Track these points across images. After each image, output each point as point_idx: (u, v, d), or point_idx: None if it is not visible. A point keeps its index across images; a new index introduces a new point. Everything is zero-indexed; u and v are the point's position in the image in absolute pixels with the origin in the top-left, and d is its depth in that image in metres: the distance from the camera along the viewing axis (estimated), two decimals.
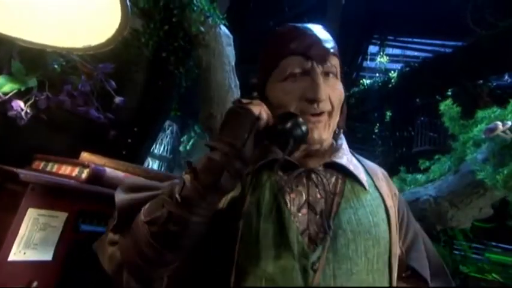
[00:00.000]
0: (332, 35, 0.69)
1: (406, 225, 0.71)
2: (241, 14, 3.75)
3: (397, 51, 5.66)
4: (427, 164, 2.15)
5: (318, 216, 0.58)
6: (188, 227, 0.53)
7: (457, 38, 4.04)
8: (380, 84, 4.67)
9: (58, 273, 1.09)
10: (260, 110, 0.58)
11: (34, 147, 1.47)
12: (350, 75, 5.06)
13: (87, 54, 1.37)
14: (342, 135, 0.75)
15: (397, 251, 0.64)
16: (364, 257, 0.56)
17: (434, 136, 3.69)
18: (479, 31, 3.56)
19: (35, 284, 0.99)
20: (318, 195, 0.61)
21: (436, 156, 2.16)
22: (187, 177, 0.54)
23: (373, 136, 4.53)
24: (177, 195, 0.53)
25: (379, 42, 5.33)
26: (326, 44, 0.65)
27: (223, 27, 1.84)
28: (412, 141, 3.99)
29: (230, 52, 1.84)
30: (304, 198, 0.60)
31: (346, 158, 0.68)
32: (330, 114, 0.65)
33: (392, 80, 4.49)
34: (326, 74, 0.65)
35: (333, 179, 0.64)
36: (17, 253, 0.99)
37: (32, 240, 1.03)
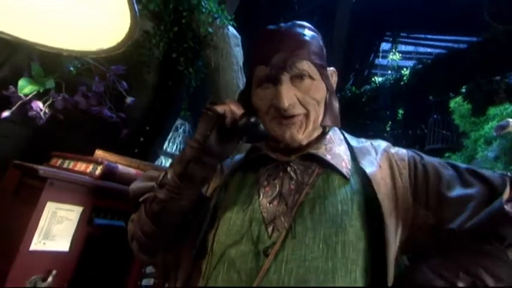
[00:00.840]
0: (312, 34, 0.69)
1: (423, 188, 0.66)
2: (251, 13, 3.78)
3: (409, 47, 5.55)
4: None
5: (286, 208, 0.62)
6: (166, 207, 0.66)
7: (472, 33, 3.93)
8: (392, 81, 4.59)
9: (74, 263, 1.15)
10: (224, 110, 0.63)
11: (51, 145, 1.55)
12: (361, 73, 5.00)
13: (101, 57, 1.44)
14: (334, 128, 0.76)
15: (394, 228, 0.62)
16: (323, 244, 0.58)
17: (447, 134, 3.61)
18: (496, 26, 3.45)
19: (54, 272, 1.06)
20: (291, 187, 0.65)
21: (446, 154, 2.14)
22: (169, 169, 0.67)
23: (385, 134, 4.48)
24: (159, 182, 0.66)
25: (391, 39, 5.24)
26: (290, 51, 0.64)
27: (231, 28, 1.88)
28: (425, 139, 3.92)
29: (238, 52, 1.88)
30: (277, 190, 0.65)
31: (325, 147, 0.69)
32: (307, 116, 0.67)
33: (405, 77, 4.41)
34: (299, 77, 0.65)
35: (310, 170, 0.66)
36: (38, 243, 1.06)
37: (51, 231, 1.10)
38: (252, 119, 0.63)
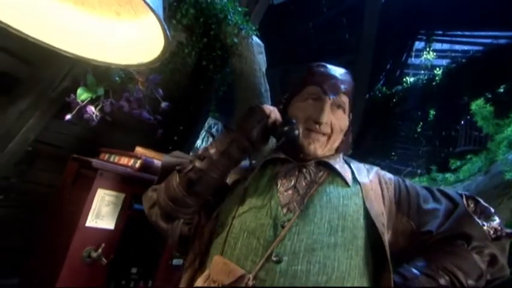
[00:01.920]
0: (351, 80, 0.89)
1: (406, 201, 0.83)
2: (280, 18, 3.91)
3: (445, 46, 5.31)
4: (458, 164, 2.13)
5: (299, 196, 0.77)
6: (203, 178, 0.76)
7: None
8: (424, 81, 4.47)
9: (118, 239, 1.40)
10: (271, 111, 0.79)
11: (100, 142, 1.84)
12: (393, 73, 4.91)
13: (141, 68, 1.68)
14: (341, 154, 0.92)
15: (384, 230, 0.77)
16: (327, 224, 0.72)
17: (480, 136, 3.47)
18: None
19: (103, 245, 1.31)
20: (304, 183, 0.80)
21: (468, 156, 2.14)
22: (210, 146, 0.80)
23: (416, 135, 4.37)
24: (199, 155, 0.78)
25: (425, 38, 5.07)
26: (340, 84, 0.85)
27: (255, 38, 2.05)
28: (457, 140, 3.78)
29: (261, 59, 2.05)
30: (292, 183, 0.80)
31: (335, 160, 0.85)
32: (329, 136, 0.84)
33: (437, 77, 4.28)
34: (337, 106, 0.84)
35: (320, 173, 0.82)
36: (91, 221, 1.31)
37: (101, 212, 1.35)
38: (289, 127, 0.78)
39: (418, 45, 5.27)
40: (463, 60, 4.08)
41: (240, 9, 2.02)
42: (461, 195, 0.86)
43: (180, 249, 0.89)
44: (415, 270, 0.77)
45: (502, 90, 3.30)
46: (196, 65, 2.13)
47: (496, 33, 4.20)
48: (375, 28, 3.78)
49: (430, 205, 0.83)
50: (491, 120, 2.03)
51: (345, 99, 0.85)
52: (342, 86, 0.85)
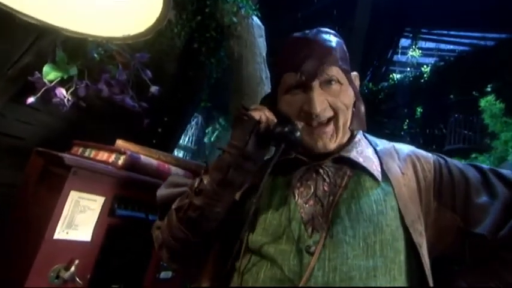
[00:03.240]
0: (336, 42, 0.70)
1: (449, 190, 0.68)
2: (272, 6, 3.73)
3: (430, 44, 5.39)
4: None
5: (322, 208, 0.64)
6: (204, 214, 0.66)
7: (500, 29, 3.78)
8: (411, 78, 4.48)
9: (96, 254, 1.14)
10: (260, 115, 0.66)
11: (72, 133, 1.54)
12: (379, 69, 4.90)
13: (123, 44, 1.40)
14: (360, 131, 0.77)
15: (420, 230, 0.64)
16: (362, 242, 0.60)
17: (469, 134, 3.50)
18: None
19: (76, 262, 1.05)
20: (325, 188, 0.66)
21: (473, 155, 2.06)
22: (204, 175, 0.68)
23: (402, 133, 4.38)
24: (195, 189, 0.66)
25: (411, 35, 5.10)
26: (320, 59, 0.67)
27: (255, 18, 1.83)
28: (444, 138, 3.81)
29: (262, 43, 1.84)
30: (312, 191, 0.66)
31: (356, 150, 0.70)
32: (336, 121, 0.68)
33: (425, 75, 4.29)
34: (327, 82, 0.67)
35: (341, 173, 0.68)
36: (61, 232, 1.04)
37: (74, 221, 1.08)
38: (288, 127, 0.65)
39: (404, 42, 5.31)
40: (451, 59, 4.12)
41: None
42: None
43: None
44: (465, 286, 0.64)
45: (489, 89, 3.34)
46: (186, 48, 1.87)
47: (483, 34, 4.30)
48: (367, 21, 3.70)
49: (483, 196, 0.66)
50: (499, 118, 1.96)
51: (333, 71, 0.67)
52: (324, 59, 0.67)
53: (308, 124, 0.68)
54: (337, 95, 0.68)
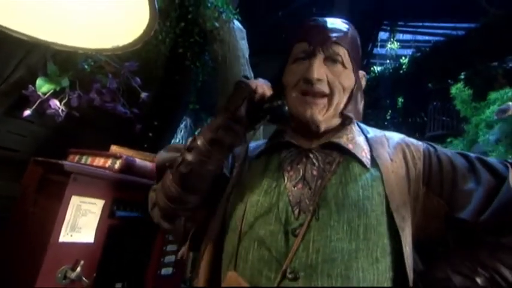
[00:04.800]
0: (350, 28, 0.73)
1: (438, 178, 0.69)
2: (252, 6, 3.79)
3: (407, 36, 5.56)
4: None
5: (310, 191, 0.66)
6: (195, 170, 0.69)
7: (470, 20, 3.95)
8: (391, 70, 4.63)
9: (99, 254, 1.20)
10: (256, 85, 0.69)
11: (66, 142, 1.58)
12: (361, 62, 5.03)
13: (112, 54, 1.46)
14: (355, 122, 0.78)
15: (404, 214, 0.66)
16: (347, 226, 0.61)
17: (447, 120, 3.66)
18: (493, 11, 3.48)
19: (81, 263, 1.11)
20: (314, 172, 0.68)
21: (449, 140, 2.19)
22: (197, 135, 0.71)
23: (385, 123, 4.52)
24: (187, 147, 0.70)
25: (389, 28, 5.25)
26: (330, 33, 0.70)
27: (236, 22, 1.90)
28: (425, 126, 3.97)
29: (244, 45, 1.91)
30: (301, 174, 0.68)
31: (347, 137, 0.72)
32: (330, 98, 0.70)
33: (404, 66, 4.45)
34: (332, 60, 0.70)
35: (330, 158, 0.70)
36: (66, 235, 1.10)
37: (77, 224, 1.14)
38: (278, 102, 0.69)
39: (383, 35, 5.46)
40: (427, 50, 4.28)
41: None
42: (505, 164, 0.70)
43: (190, 246, 0.81)
44: (448, 270, 0.64)
45: (462, 76, 3.50)
46: (171, 53, 1.94)
47: (455, 24, 4.48)
48: (344, 18, 3.80)
49: (469, 183, 0.67)
50: (469, 104, 2.09)
51: (340, 51, 0.70)
52: (333, 35, 0.69)
53: (303, 94, 0.70)
54: (337, 75, 0.70)
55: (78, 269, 1.10)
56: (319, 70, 0.68)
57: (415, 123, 4.13)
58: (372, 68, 4.99)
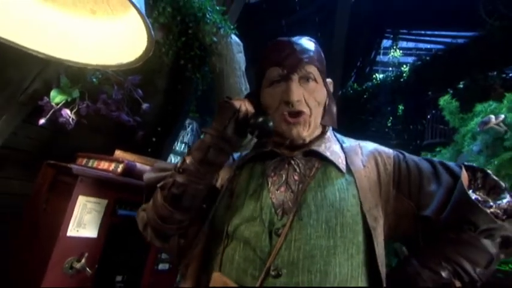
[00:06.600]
0: (315, 46, 0.81)
1: (406, 181, 0.76)
2: (254, 18, 3.92)
3: (410, 44, 5.61)
4: (429, 156, 2.26)
5: (292, 194, 0.72)
6: (186, 191, 0.72)
7: (470, 28, 3.99)
8: (393, 78, 4.69)
9: (101, 247, 1.34)
10: (240, 104, 0.73)
11: (76, 147, 1.74)
12: (363, 70, 5.10)
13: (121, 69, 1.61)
14: (331, 129, 0.86)
15: (377, 214, 0.72)
16: (325, 225, 0.67)
17: (445, 129, 3.71)
18: (492, 22, 3.53)
19: (86, 255, 1.25)
20: (296, 177, 0.74)
21: (438, 149, 2.27)
22: (187, 156, 0.75)
23: (386, 130, 4.58)
24: (178, 168, 0.73)
25: (392, 36, 5.31)
26: (300, 55, 0.76)
27: (233, 36, 2.04)
28: (424, 134, 4.01)
29: (241, 58, 2.04)
30: (283, 179, 0.74)
31: (325, 146, 0.79)
32: (310, 115, 0.76)
33: (404, 74, 4.51)
34: (305, 79, 0.76)
35: (310, 164, 0.76)
36: (73, 230, 1.25)
37: (82, 220, 1.29)
38: (262, 118, 0.73)
39: (386, 43, 5.52)
40: (427, 58, 4.33)
41: (218, 8, 2.00)
42: (459, 165, 0.78)
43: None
44: (417, 264, 0.71)
45: (461, 85, 3.54)
46: (173, 65, 2.08)
47: (456, 33, 4.52)
48: (346, 26, 3.90)
49: (432, 185, 0.75)
50: (457, 115, 2.17)
51: (311, 69, 0.76)
52: (303, 56, 0.76)
53: (285, 114, 0.75)
54: (312, 92, 0.76)
55: (83, 260, 1.25)
56: (297, 92, 0.74)
57: (416, 131, 4.18)
58: (374, 76, 5.06)
